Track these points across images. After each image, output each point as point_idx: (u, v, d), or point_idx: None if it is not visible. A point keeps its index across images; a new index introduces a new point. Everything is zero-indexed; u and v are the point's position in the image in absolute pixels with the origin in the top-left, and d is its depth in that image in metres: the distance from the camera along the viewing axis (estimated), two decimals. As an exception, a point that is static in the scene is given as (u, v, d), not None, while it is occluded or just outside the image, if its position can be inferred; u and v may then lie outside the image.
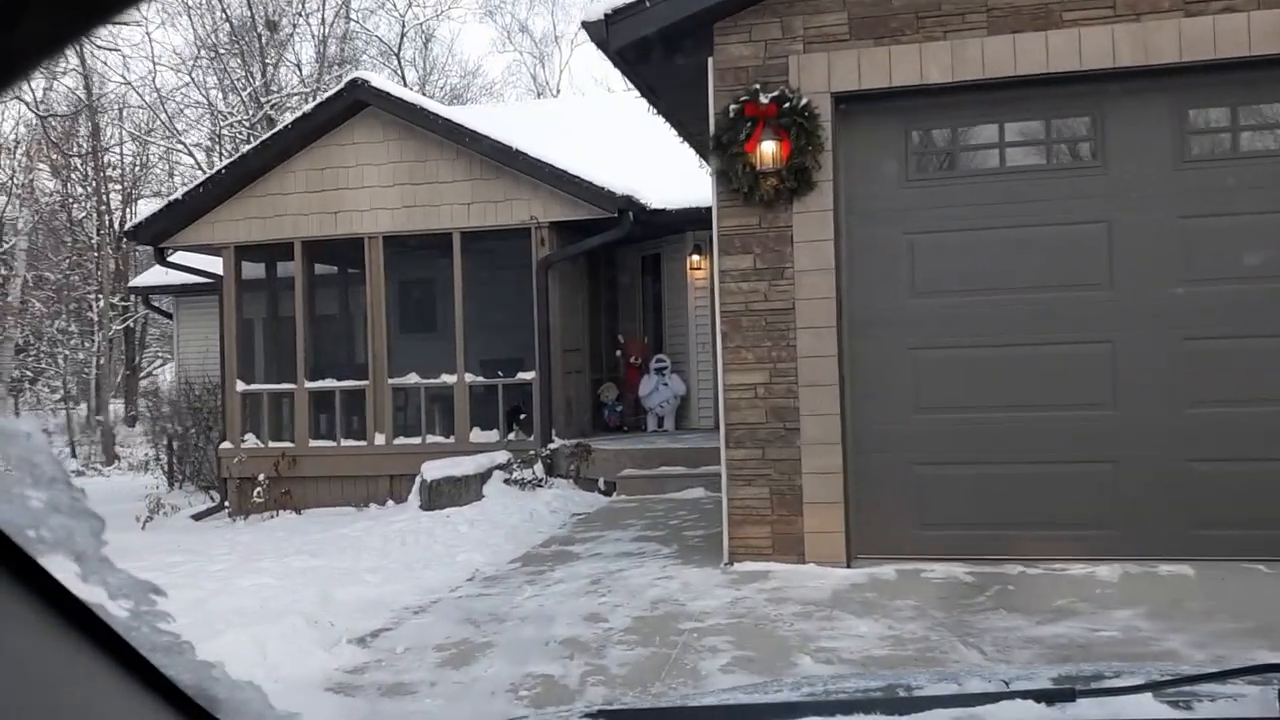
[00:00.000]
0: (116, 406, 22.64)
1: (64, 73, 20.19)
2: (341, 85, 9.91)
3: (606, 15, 5.18)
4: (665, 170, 9.85)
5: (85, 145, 20.74)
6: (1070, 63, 5.17)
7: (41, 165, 21.35)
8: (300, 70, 25.36)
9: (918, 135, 5.53)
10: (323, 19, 24.76)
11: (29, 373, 22.05)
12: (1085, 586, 4.69)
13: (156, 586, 0.54)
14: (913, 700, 1.21)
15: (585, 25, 5.28)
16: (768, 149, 5.22)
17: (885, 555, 5.29)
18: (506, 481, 8.89)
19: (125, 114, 22.04)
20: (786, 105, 5.22)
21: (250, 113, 21.92)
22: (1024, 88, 5.30)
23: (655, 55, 5.43)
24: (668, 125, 7.23)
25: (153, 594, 0.54)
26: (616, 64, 5.60)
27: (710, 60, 5.44)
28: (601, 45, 5.33)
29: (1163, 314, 5.20)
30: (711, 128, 5.41)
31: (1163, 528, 5.15)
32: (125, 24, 14.84)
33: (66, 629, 0.50)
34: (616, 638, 4.26)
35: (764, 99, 5.25)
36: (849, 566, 5.22)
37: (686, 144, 7.69)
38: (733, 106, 5.31)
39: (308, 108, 10.17)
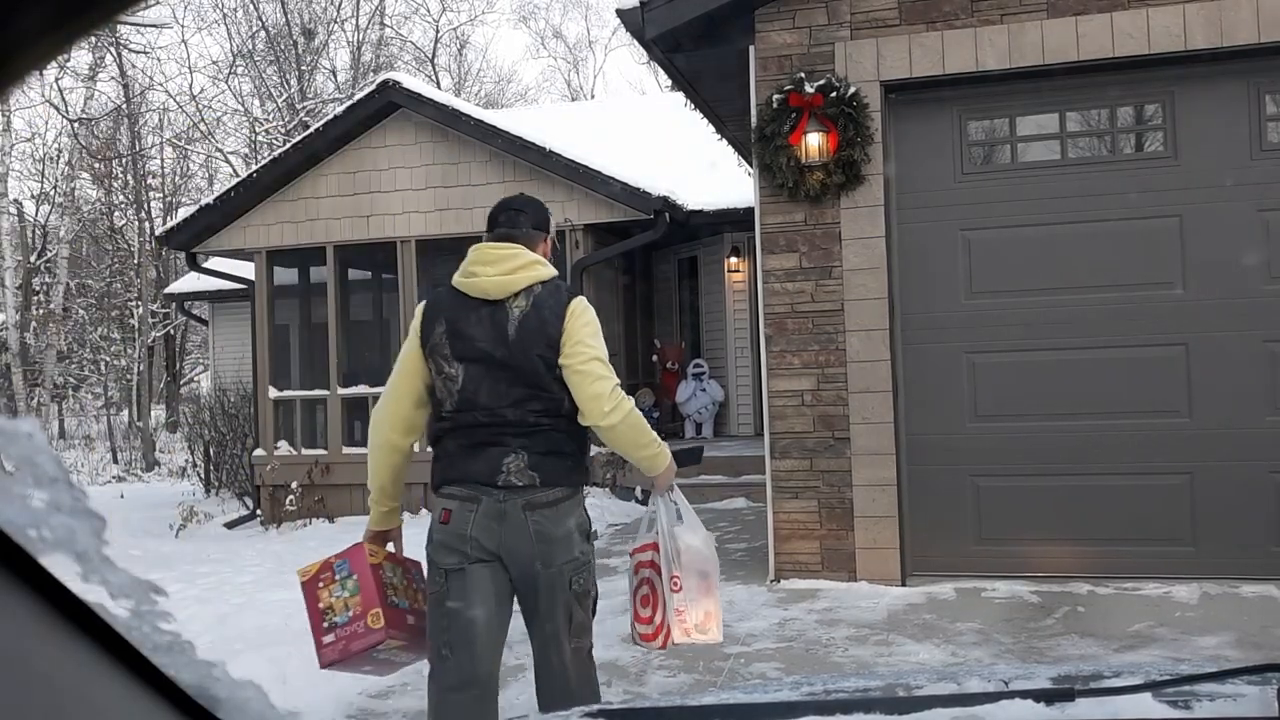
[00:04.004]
0: (158, 413, 22.83)
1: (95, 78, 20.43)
2: (373, 87, 9.75)
3: (643, 2, 4.94)
4: (702, 171, 9.59)
5: (125, 153, 20.94)
6: (1137, 46, 4.83)
7: (83, 174, 21.60)
8: (335, 77, 25.47)
9: (973, 126, 5.21)
10: (357, 25, 24.84)
11: (72, 379, 22.30)
12: (1162, 608, 4.34)
13: (157, 586, 0.53)
14: (912, 700, 1.19)
15: (620, 13, 5.03)
16: (813, 141, 4.94)
17: (942, 573, 4.98)
18: (541, 490, 8.65)
19: (165, 122, 22.23)
20: (833, 94, 4.94)
21: (286, 119, 22.01)
22: (1087, 74, 4.97)
23: (693, 44, 5.17)
24: (705, 122, 6.97)
25: (153, 593, 0.53)
26: (652, 54, 5.35)
27: (751, 48, 5.16)
28: (637, 34, 5.09)
29: (1241, 314, 4.84)
30: (753, 119, 5.14)
31: (1243, 545, 4.79)
32: (136, 24, 14.87)
33: (66, 628, 0.50)
34: (657, 662, 4.00)
35: (809, 88, 4.97)
36: (904, 585, 4.91)
37: (725, 142, 7.42)
38: (776, 97, 5.04)
39: (339, 110, 10.03)
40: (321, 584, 2.55)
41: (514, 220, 2.57)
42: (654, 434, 2.53)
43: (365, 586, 2.48)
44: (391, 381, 2.57)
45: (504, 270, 2.47)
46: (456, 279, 2.53)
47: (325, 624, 2.52)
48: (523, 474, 2.39)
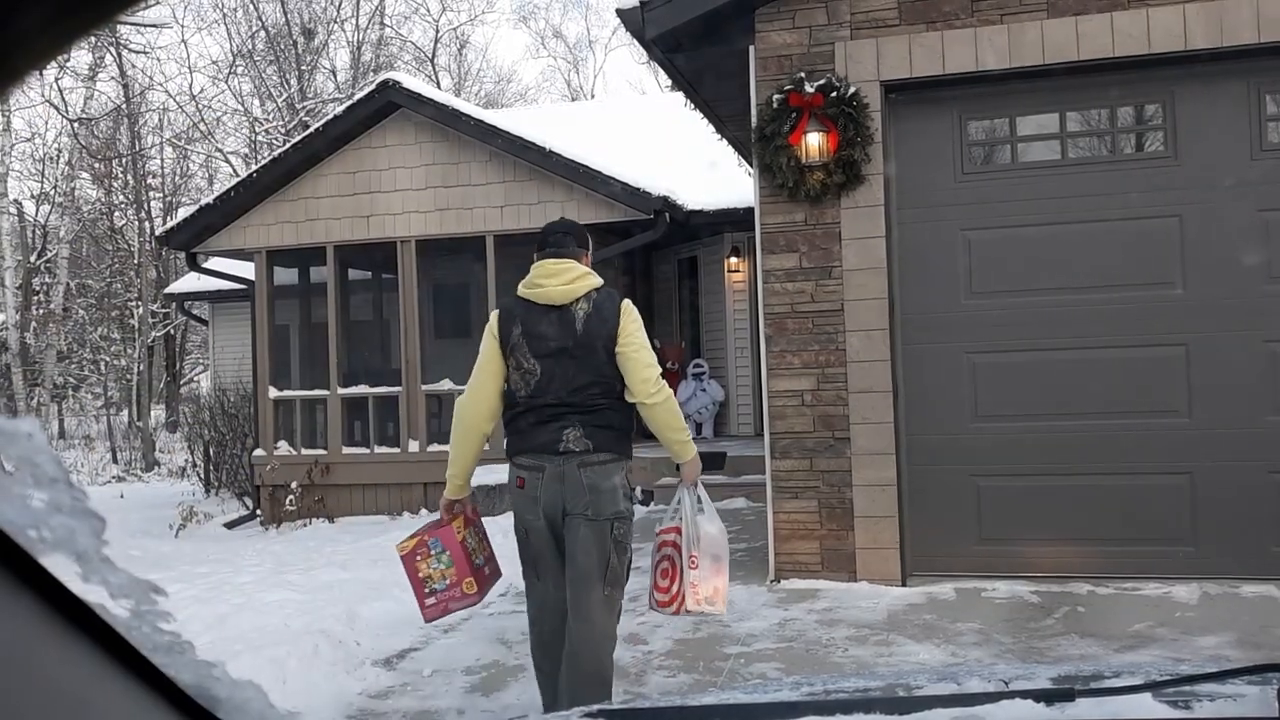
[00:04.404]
0: (157, 413, 22.82)
1: (95, 78, 20.42)
2: (373, 87, 9.75)
3: (643, 2, 4.93)
4: (702, 171, 9.59)
5: (125, 153, 20.93)
6: (1137, 46, 4.83)
7: (83, 174, 21.59)
8: (335, 77, 25.47)
9: (973, 125, 5.20)
10: (357, 25, 24.84)
11: (72, 379, 22.29)
12: (1162, 608, 4.34)
13: (157, 586, 0.53)
14: (912, 700, 1.20)
15: (620, 13, 5.03)
16: (814, 141, 4.94)
17: (942, 573, 4.97)
18: (541, 490, 8.65)
19: (165, 122, 22.22)
20: (833, 94, 4.93)
21: (286, 119, 22.00)
22: (1087, 74, 4.96)
23: (693, 44, 5.16)
24: (705, 122, 6.97)
25: (153, 593, 0.54)
26: (652, 54, 5.34)
27: (751, 48, 5.16)
28: (637, 34, 5.08)
29: (1240, 314, 4.83)
30: (753, 119, 5.13)
31: (1243, 545, 4.78)
32: (136, 24, 14.86)
33: (66, 629, 0.50)
34: (657, 662, 4.00)
35: (809, 88, 4.96)
36: (904, 585, 4.91)
37: (725, 142, 7.41)
38: (776, 97, 5.03)
39: (339, 110, 10.02)
40: (419, 557, 3.19)
41: (562, 241, 3.16)
42: (685, 424, 3.16)
43: (458, 560, 3.17)
44: (477, 379, 3.14)
45: (565, 281, 3.06)
46: (523, 290, 3.12)
47: (426, 590, 3.19)
48: (579, 441, 2.99)
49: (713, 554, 3.16)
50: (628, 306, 3.09)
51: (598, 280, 3.12)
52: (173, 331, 22.51)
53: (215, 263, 11.06)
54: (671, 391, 3.10)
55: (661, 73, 5.85)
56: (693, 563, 3.11)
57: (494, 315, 3.14)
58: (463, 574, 3.17)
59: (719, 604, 3.18)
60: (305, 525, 9.62)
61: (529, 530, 3.08)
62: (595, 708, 1.46)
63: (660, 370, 3.10)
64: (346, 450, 9.94)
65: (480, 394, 3.11)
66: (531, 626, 3.17)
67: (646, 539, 6.77)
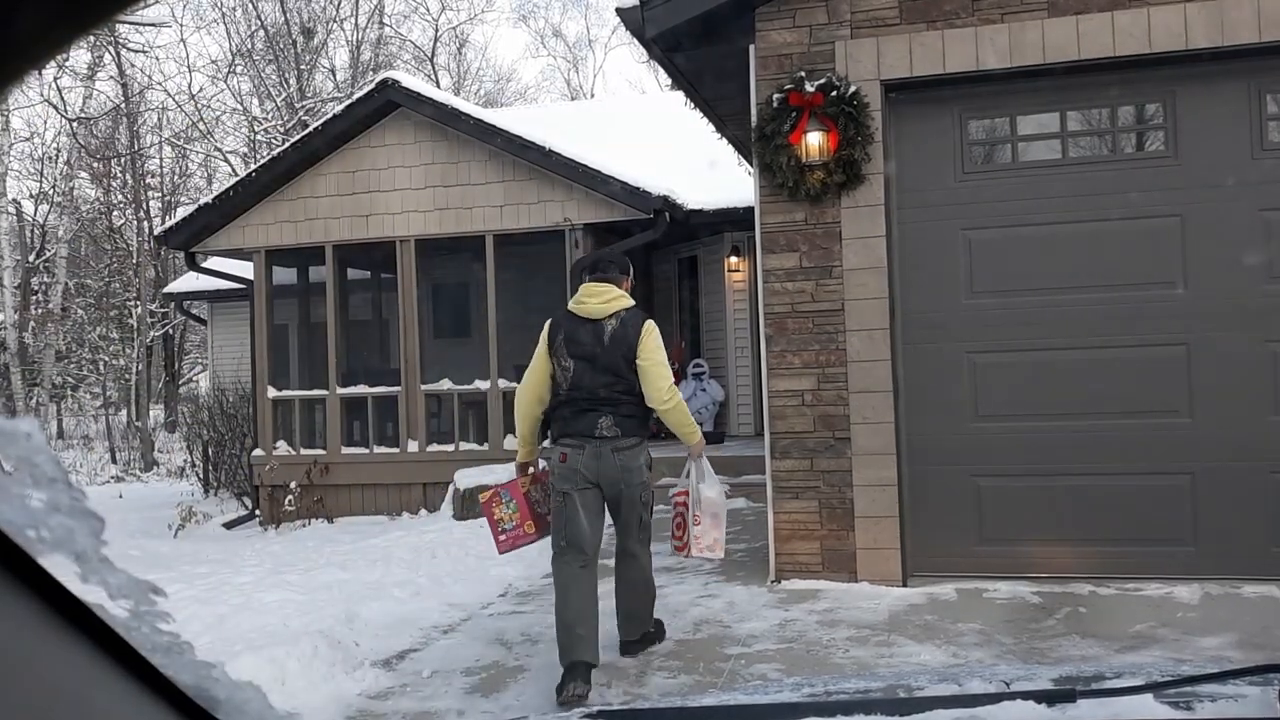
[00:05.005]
0: (156, 412, 22.81)
1: (93, 77, 20.40)
2: (372, 86, 9.73)
3: (642, 1, 4.92)
4: (702, 170, 9.57)
5: (124, 152, 20.90)
6: (1138, 45, 4.82)
7: (82, 173, 21.57)
8: (334, 76, 25.45)
9: (973, 125, 5.19)
10: (356, 24, 24.82)
11: (70, 379, 22.27)
12: (1164, 609, 4.33)
13: (156, 586, 0.53)
14: (913, 700, 1.20)
15: (619, 12, 5.02)
16: (814, 140, 4.93)
17: (943, 573, 4.96)
18: (541, 490, 8.65)
19: (164, 121, 22.19)
20: (833, 94, 4.92)
21: (285, 118, 21.98)
22: (1088, 73, 4.95)
23: (693, 43, 5.15)
24: (705, 121, 6.95)
25: (152, 594, 0.54)
26: (652, 53, 5.33)
27: (752, 47, 5.15)
28: (637, 33, 5.07)
29: (1242, 314, 4.82)
30: (753, 119, 5.12)
31: (1244, 545, 4.77)
32: (135, 24, 14.85)
33: (66, 629, 0.50)
34: (657, 663, 3.98)
35: (809, 87, 4.95)
36: (905, 585, 4.89)
37: (725, 141, 7.40)
38: (776, 96, 5.02)
39: (338, 109, 10.00)
40: (495, 504, 4.09)
41: (607, 268, 4.01)
42: (693, 419, 3.99)
43: (521, 507, 4.06)
44: (529, 372, 3.97)
45: (602, 300, 3.89)
46: (571, 305, 3.97)
47: (499, 530, 4.09)
48: (611, 429, 3.78)
49: (712, 513, 4.03)
50: (649, 326, 3.87)
51: (629, 302, 3.93)
52: (171, 331, 22.48)
53: (214, 262, 11.05)
54: (682, 398, 3.88)
55: (661, 72, 5.84)
56: (696, 520, 4.01)
57: (547, 323, 3.97)
58: (524, 517, 4.04)
59: (718, 550, 4.08)
60: (304, 525, 9.60)
61: (565, 496, 3.79)
62: (595, 708, 1.45)
63: (672, 380, 3.86)
64: (345, 450, 9.93)
65: (530, 384, 3.96)
66: (557, 586, 3.80)
67: (650, 539, 6.68)
